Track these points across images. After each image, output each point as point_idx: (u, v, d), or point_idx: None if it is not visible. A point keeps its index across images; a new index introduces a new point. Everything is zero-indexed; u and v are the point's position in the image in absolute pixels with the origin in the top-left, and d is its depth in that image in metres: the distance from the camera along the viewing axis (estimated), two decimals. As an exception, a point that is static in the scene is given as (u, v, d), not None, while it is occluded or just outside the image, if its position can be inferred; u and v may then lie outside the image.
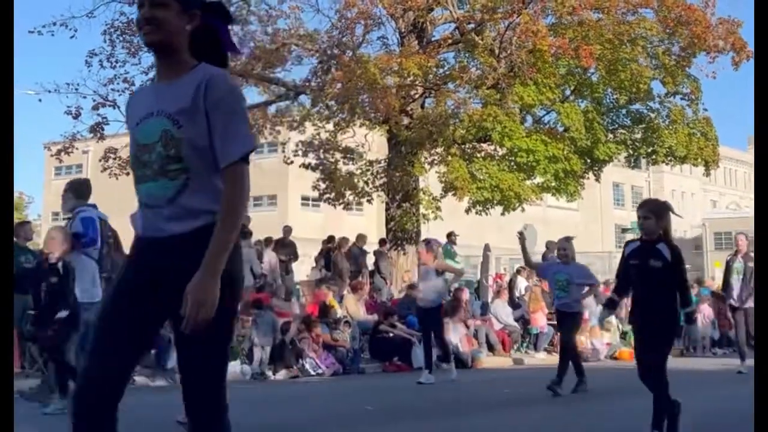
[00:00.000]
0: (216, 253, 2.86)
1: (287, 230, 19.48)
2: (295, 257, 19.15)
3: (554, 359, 18.39)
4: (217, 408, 3.01)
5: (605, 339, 19.05)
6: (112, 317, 3.03)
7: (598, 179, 22.98)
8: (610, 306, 7.27)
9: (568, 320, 10.93)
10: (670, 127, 21.44)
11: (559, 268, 10.95)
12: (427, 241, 12.85)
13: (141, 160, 2.99)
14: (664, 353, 6.32)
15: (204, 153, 2.93)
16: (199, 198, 2.96)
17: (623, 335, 19.97)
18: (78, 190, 8.77)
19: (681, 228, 66.48)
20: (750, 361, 13.89)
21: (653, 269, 6.30)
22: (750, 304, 12.88)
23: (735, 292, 13.40)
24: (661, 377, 6.19)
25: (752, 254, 12.97)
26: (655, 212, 6.45)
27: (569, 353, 10.82)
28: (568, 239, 11.24)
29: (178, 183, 2.94)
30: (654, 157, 22.48)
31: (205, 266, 2.81)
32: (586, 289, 11.35)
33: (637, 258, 6.45)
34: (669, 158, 22.11)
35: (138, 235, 3.10)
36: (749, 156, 77.66)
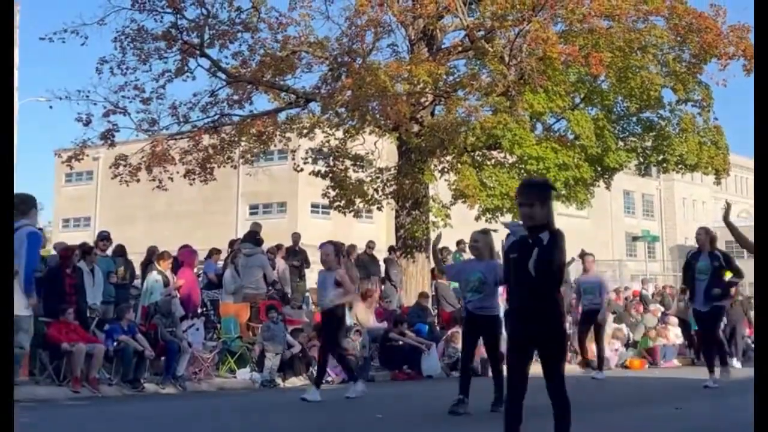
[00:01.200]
0: None
1: (296, 237, 19.47)
2: (307, 264, 19.13)
3: (568, 367, 18.39)
4: None
5: (615, 346, 18.95)
6: None
7: (608, 187, 22.91)
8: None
9: (486, 326, 9.39)
10: (681, 135, 21.37)
11: (473, 266, 9.65)
12: (335, 244, 11.32)
13: None
14: None
15: None
16: None
17: (634, 344, 19.90)
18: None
19: (692, 236, 66.21)
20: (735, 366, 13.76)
21: None
22: (717, 303, 12.37)
23: (700, 297, 12.39)
24: None
25: (717, 252, 12.51)
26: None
27: (496, 364, 9.36)
28: (484, 231, 9.87)
29: None
30: (665, 165, 22.41)
31: None
32: (605, 296, 11.04)
33: None
34: (680, 166, 22.03)
35: None
36: (760, 164, 77.43)
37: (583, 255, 16.02)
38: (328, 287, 10.80)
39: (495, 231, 9.89)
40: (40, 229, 8.70)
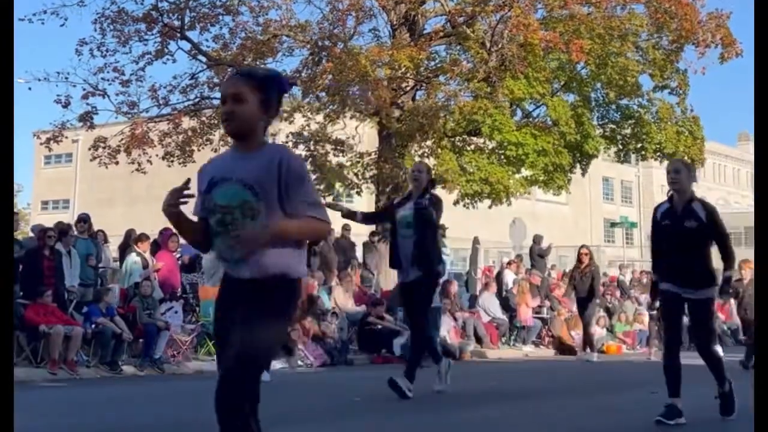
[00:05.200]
0: (284, 228, 3.41)
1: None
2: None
3: (541, 352, 18.59)
4: None
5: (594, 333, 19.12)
6: None
7: (584, 173, 23.06)
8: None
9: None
10: (659, 124, 21.55)
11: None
12: None
13: (222, 220, 3.50)
14: None
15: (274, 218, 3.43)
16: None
17: (610, 329, 20.10)
18: None
19: (669, 223, 66.60)
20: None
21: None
22: None
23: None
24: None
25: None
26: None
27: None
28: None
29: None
30: (643, 153, 22.58)
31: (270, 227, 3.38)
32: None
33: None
34: (658, 154, 22.22)
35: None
36: (738, 152, 78.00)
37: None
38: None
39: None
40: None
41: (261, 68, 3.61)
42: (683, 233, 6.76)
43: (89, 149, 21.40)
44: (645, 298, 21.15)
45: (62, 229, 13.61)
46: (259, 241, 3.36)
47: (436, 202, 8.95)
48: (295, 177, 3.46)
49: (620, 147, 22.85)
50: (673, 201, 6.93)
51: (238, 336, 3.42)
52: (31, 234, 15.44)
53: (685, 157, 21.88)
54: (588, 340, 16.68)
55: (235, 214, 3.47)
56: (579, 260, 16.83)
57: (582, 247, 17.55)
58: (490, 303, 18.36)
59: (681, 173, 6.83)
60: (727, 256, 6.88)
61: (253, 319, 3.42)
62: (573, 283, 16.86)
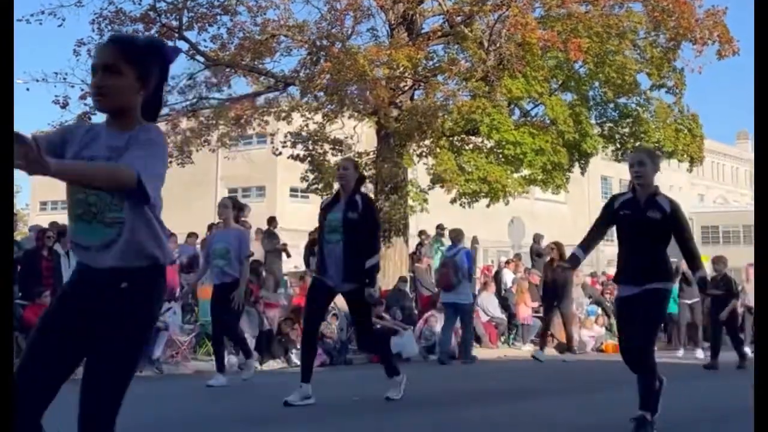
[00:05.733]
0: (71, 166, 2.94)
1: (270, 221, 19.39)
2: (286, 251, 19.04)
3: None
4: None
5: (592, 332, 19.15)
6: None
7: (583, 172, 23.07)
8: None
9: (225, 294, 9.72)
10: (657, 121, 21.57)
11: (220, 236, 10.02)
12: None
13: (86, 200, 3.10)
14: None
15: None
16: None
17: (609, 328, 20.09)
18: None
19: (668, 221, 66.62)
20: None
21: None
22: None
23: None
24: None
25: None
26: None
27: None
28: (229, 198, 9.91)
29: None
30: (642, 151, 22.60)
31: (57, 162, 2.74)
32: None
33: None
34: (656, 152, 22.20)
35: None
36: (737, 150, 78.00)
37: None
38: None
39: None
40: None
41: (141, 37, 2.99)
42: (644, 223, 6.26)
43: (87, 150, 21.36)
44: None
45: (61, 230, 13.61)
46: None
47: (368, 203, 8.21)
48: (140, 142, 3.05)
49: (618, 146, 22.87)
50: (636, 193, 6.41)
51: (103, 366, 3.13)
52: (29, 234, 15.42)
53: (685, 155, 21.91)
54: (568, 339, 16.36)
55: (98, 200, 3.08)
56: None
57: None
58: (489, 302, 18.36)
59: (646, 166, 6.32)
60: (693, 255, 6.41)
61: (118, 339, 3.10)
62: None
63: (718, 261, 14.70)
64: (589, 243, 6.58)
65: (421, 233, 20.18)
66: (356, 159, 21.06)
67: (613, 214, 6.48)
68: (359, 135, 21.18)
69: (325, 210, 8.14)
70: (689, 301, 17.52)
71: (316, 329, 8.62)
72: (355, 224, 7.85)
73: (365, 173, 20.74)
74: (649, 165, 6.36)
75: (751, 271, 18.47)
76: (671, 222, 6.27)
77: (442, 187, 19.63)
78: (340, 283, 7.96)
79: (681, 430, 6.70)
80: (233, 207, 10.34)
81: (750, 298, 17.96)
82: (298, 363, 13.73)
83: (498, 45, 19.21)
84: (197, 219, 24.68)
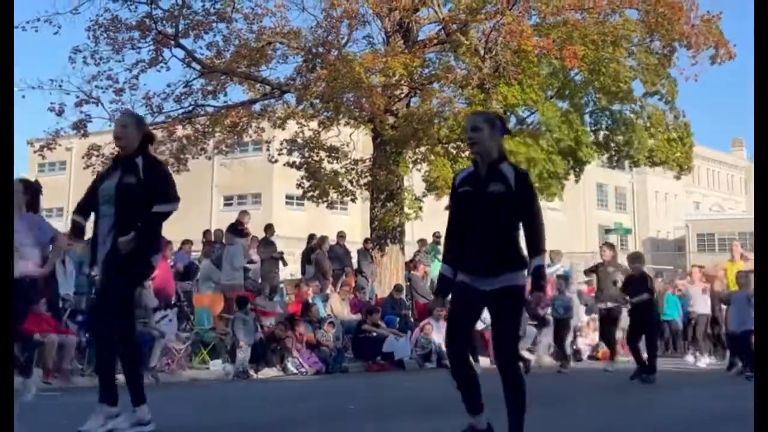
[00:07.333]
0: None
1: (267, 229, 19.37)
2: (282, 259, 19.00)
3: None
4: None
5: (588, 340, 19.09)
6: None
7: (578, 180, 23.09)
8: None
9: None
10: (650, 131, 21.68)
11: None
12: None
13: None
14: None
15: None
16: None
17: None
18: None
19: (664, 229, 66.81)
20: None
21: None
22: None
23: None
24: None
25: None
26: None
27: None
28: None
29: None
30: (635, 159, 22.66)
31: None
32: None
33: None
34: (649, 161, 22.31)
35: None
36: (732, 157, 78.20)
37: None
38: None
39: None
40: None
41: None
42: (486, 199, 5.18)
43: (83, 157, 21.32)
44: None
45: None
46: None
47: (154, 166, 6.43)
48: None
49: (612, 153, 22.93)
50: (477, 165, 5.34)
51: None
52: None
53: (674, 164, 22.02)
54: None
55: None
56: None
57: None
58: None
59: (482, 131, 5.24)
60: (537, 238, 5.22)
61: None
62: None
63: (636, 259, 13.61)
64: (447, 252, 5.54)
65: (420, 242, 20.29)
66: (353, 166, 21.09)
67: (455, 193, 5.46)
68: (355, 142, 21.20)
69: (103, 178, 6.55)
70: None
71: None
72: (129, 195, 6.21)
73: (361, 180, 20.79)
74: (486, 129, 5.28)
75: (696, 272, 18.45)
76: (518, 197, 5.19)
77: (435, 193, 19.66)
78: (102, 266, 6.42)
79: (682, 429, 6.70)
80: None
81: (698, 304, 17.66)
82: (295, 371, 13.78)
83: (494, 53, 19.23)
84: (192, 227, 24.63)
